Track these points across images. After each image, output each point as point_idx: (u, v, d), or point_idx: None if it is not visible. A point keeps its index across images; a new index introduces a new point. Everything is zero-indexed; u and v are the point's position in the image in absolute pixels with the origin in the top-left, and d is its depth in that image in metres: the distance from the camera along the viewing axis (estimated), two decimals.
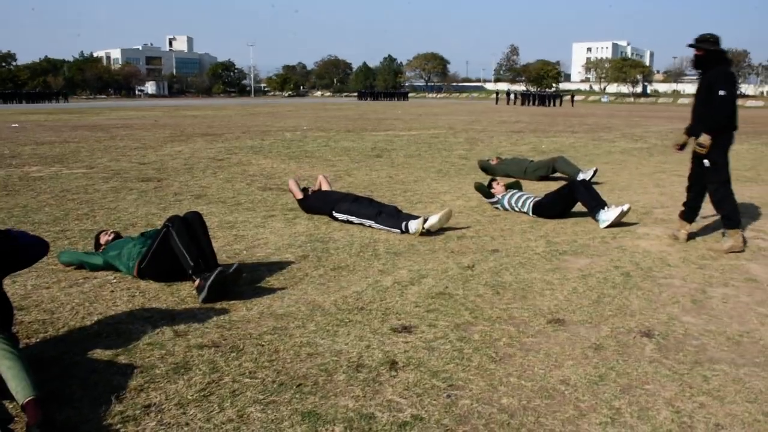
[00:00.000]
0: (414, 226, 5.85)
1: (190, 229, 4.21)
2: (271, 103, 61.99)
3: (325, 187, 6.90)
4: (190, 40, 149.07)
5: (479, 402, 2.84)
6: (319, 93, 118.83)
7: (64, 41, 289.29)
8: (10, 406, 2.65)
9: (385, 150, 13.99)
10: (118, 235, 4.89)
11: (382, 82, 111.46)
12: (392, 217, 6.08)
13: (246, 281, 4.39)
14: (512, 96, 60.05)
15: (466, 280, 4.60)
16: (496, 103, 57.88)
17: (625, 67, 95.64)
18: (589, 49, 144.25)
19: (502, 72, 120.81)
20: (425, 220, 5.87)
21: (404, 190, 8.60)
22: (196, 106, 47.10)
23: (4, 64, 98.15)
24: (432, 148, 14.53)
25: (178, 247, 4.11)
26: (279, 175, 9.84)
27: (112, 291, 4.26)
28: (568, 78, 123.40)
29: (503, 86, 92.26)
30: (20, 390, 2.51)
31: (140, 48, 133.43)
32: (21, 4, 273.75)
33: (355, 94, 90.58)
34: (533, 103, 54.47)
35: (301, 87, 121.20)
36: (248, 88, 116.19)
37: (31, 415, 2.44)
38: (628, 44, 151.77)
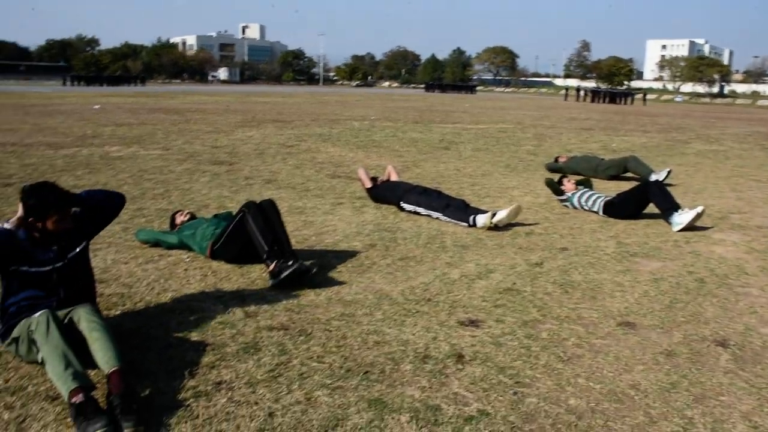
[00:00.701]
0: (482, 220, 5.81)
1: (266, 215, 4.30)
2: (340, 92, 62.48)
3: (393, 178, 6.92)
4: (262, 28, 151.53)
5: (546, 401, 2.80)
6: (386, 83, 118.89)
7: (143, 27, 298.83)
8: (92, 373, 2.76)
9: (453, 143, 13.91)
10: (193, 216, 5.04)
11: (450, 75, 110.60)
12: (460, 210, 6.05)
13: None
14: (582, 92, 58.55)
15: (534, 277, 4.54)
16: (565, 99, 56.56)
17: (701, 66, 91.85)
18: (663, 47, 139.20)
19: (572, 68, 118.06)
20: (493, 215, 5.81)
21: (472, 184, 8.53)
22: (267, 93, 47.93)
23: (88, 48, 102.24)
24: (500, 143, 14.36)
25: (253, 232, 4.21)
26: (347, 164, 9.92)
27: (186, 269, 4.40)
28: (640, 76, 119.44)
29: (573, 82, 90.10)
30: (106, 360, 2.62)
31: (214, 35, 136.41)
32: None
33: (422, 85, 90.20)
34: (603, 101, 52.90)
35: (369, 77, 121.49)
36: (317, 77, 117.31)
37: (114, 385, 2.54)
38: (706, 42, 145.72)
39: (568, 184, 7.14)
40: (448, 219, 6.02)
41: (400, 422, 2.58)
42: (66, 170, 8.49)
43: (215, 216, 5.00)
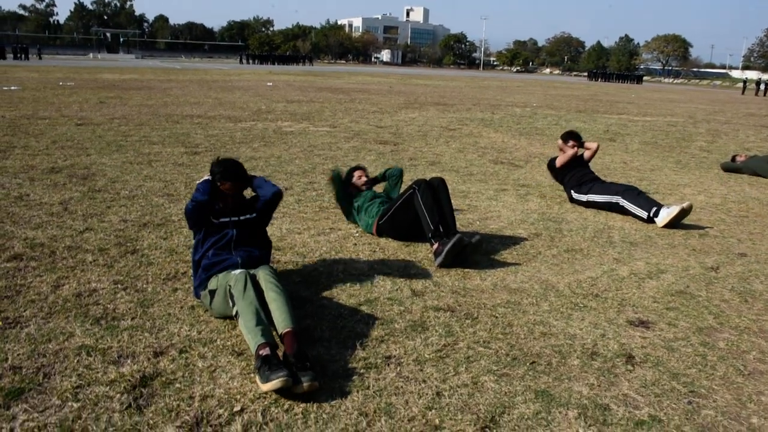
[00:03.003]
0: (665, 212, 5.49)
1: (435, 193, 4.33)
2: (500, 77, 61.56)
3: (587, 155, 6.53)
4: (426, 12, 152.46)
5: (725, 416, 2.61)
6: (548, 70, 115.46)
7: (315, 8, 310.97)
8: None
9: (619, 134, 13.24)
10: (369, 181, 5.13)
11: (616, 63, 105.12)
12: (640, 197, 5.79)
13: (481, 251, 4.43)
14: (762, 86, 53.11)
15: (709, 282, 4.23)
16: (743, 92, 51.74)
17: None
18: None
19: (753, 59, 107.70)
20: (681, 208, 5.48)
21: (640, 179, 8.08)
22: (428, 76, 48.28)
23: (263, 29, 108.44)
24: (669, 137, 13.46)
25: (421, 209, 4.26)
26: (510, 150, 9.76)
27: (355, 244, 4.55)
28: None
29: (752, 74, 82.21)
30: (281, 321, 2.78)
31: (380, 18, 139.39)
32: None
33: (585, 73, 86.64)
34: None
35: (531, 63, 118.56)
36: (477, 62, 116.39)
37: (288, 345, 2.69)
38: None
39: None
40: (628, 203, 5.78)
41: (567, 417, 2.52)
42: (244, 142, 9.07)
43: (383, 192, 5.08)
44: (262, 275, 2.99)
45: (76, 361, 2.72)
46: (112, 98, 15.47)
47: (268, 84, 24.79)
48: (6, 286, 3.48)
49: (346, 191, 4.99)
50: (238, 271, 2.98)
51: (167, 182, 6.26)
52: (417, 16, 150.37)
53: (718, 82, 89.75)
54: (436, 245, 4.14)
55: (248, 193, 3.56)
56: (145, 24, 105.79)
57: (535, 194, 6.59)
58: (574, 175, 6.32)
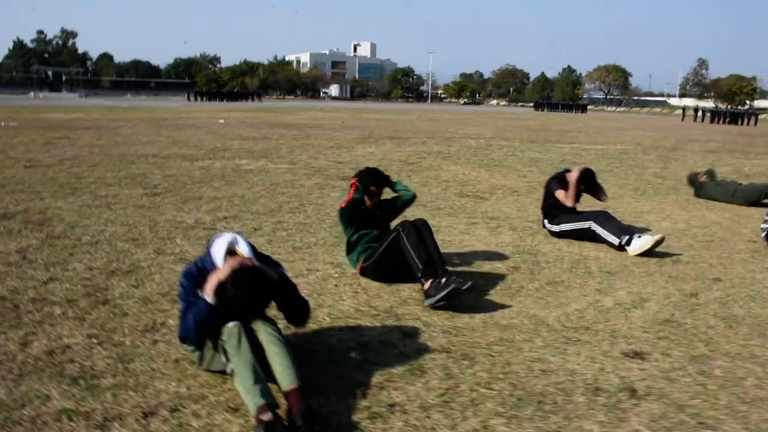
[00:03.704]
0: (638, 243, 5.54)
1: (420, 233, 4.26)
2: (449, 109, 62.54)
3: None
4: (373, 46, 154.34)
5: None
6: (494, 102, 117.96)
7: (261, 45, 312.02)
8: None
9: (575, 163, 13.43)
10: (379, 204, 4.85)
11: (560, 93, 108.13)
12: (610, 222, 5.84)
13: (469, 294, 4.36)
14: (700, 113, 55.43)
15: (692, 309, 4.25)
16: (683, 119, 53.93)
17: None
18: None
19: (688, 87, 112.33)
20: (655, 240, 5.54)
21: (604, 207, 8.16)
22: (378, 110, 48.68)
23: (210, 66, 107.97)
24: (623, 164, 13.79)
25: (407, 250, 4.18)
26: (472, 183, 9.80)
27: (336, 285, 4.43)
28: (765, 95, 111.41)
29: (689, 102, 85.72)
30: (285, 377, 2.61)
31: (327, 53, 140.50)
32: (224, 12, 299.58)
33: (531, 104, 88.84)
34: (724, 122, 49.81)
35: (477, 95, 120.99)
36: (425, 94, 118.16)
37: (294, 404, 2.53)
38: None
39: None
40: (601, 229, 5.82)
41: None
42: (203, 182, 8.87)
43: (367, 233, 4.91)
44: (262, 329, 2.80)
45: (57, 428, 2.50)
46: (59, 138, 15.02)
47: (220, 121, 24.54)
48: None
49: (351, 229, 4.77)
50: (231, 324, 2.76)
51: (130, 225, 6.02)
52: (364, 50, 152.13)
53: (657, 110, 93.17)
54: (427, 284, 4.05)
55: None
56: (89, 62, 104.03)
57: (506, 227, 6.59)
58: (556, 207, 6.30)
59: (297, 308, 3.18)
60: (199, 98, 63.50)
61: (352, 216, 4.63)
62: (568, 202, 6.20)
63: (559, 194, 6.23)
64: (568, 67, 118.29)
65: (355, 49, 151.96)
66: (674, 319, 4.04)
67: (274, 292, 2.96)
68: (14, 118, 22.77)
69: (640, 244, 5.59)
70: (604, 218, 5.94)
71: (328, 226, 6.24)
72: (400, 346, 3.40)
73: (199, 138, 16.29)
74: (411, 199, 5.04)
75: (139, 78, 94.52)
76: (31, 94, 66.73)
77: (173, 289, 4.09)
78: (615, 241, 5.71)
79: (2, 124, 19.67)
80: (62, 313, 3.70)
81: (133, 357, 3.15)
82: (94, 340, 3.33)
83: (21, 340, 3.30)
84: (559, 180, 6.34)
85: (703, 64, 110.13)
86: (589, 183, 6.37)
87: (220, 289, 2.76)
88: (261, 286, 2.81)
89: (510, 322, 3.85)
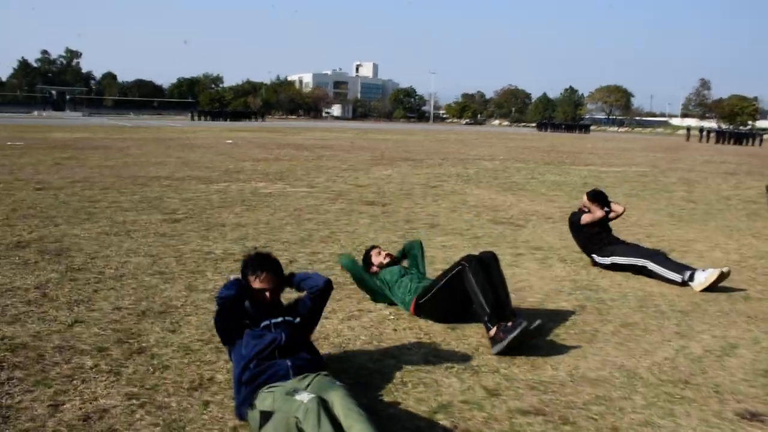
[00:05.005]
0: (703, 277, 5.12)
1: (487, 270, 3.82)
2: (453, 129, 62.30)
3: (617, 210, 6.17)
4: (375, 67, 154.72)
5: None
6: (496, 122, 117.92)
7: (264, 65, 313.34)
8: None
9: (598, 187, 13.07)
10: (392, 259, 4.59)
11: (562, 114, 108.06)
12: (668, 261, 5.43)
13: (539, 335, 3.92)
14: (704, 133, 55.10)
15: None
16: (687, 139, 53.61)
17: None
18: None
19: (690, 107, 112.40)
20: (720, 272, 5.13)
21: (647, 235, 7.76)
22: (382, 130, 48.40)
23: (213, 86, 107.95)
24: (647, 188, 13.38)
25: (473, 290, 3.74)
26: (503, 208, 9.36)
27: (395, 329, 3.97)
28: (765, 115, 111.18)
29: (692, 122, 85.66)
30: None
31: (329, 73, 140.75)
32: (228, 31, 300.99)
33: (533, 124, 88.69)
34: (728, 142, 49.50)
35: (479, 115, 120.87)
36: (427, 115, 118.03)
37: None
38: None
39: None
40: (659, 268, 5.39)
41: None
42: (223, 206, 8.45)
43: (415, 267, 4.57)
44: (337, 400, 2.41)
45: None
46: (67, 159, 14.64)
47: (228, 141, 24.19)
48: None
49: (368, 274, 4.45)
50: (307, 398, 2.38)
51: (154, 257, 5.58)
52: (366, 71, 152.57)
53: (660, 130, 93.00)
54: (494, 330, 3.61)
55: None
56: (93, 81, 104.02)
57: (555, 258, 6.16)
58: (595, 236, 5.96)
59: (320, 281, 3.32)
60: (202, 117, 63.29)
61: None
62: (598, 213, 5.95)
63: (586, 218, 6.00)
64: (570, 87, 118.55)
65: (357, 70, 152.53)
66: None
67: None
68: (20, 138, 22.42)
69: (704, 277, 5.20)
70: (662, 258, 5.59)
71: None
72: (486, 407, 2.95)
73: (210, 158, 15.91)
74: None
75: (143, 97, 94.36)
76: (35, 112, 66.54)
77: (215, 336, 3.65)
78: (677, 278, 5.33)
79: (9, 143, 19.30)
80: (94, 366, 3.25)
81: (184, 424, 2.69)
82: (135, 401, 2.87)
83: (50, 401, 2.85)
84: (577, 213, 6.16)
85: (705, 84, 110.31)
86: (600, 200, 6.10)
87: (245, 261, 3.15)
88: (274, 258, 3.19)
89: (599, 375, 3.40)
